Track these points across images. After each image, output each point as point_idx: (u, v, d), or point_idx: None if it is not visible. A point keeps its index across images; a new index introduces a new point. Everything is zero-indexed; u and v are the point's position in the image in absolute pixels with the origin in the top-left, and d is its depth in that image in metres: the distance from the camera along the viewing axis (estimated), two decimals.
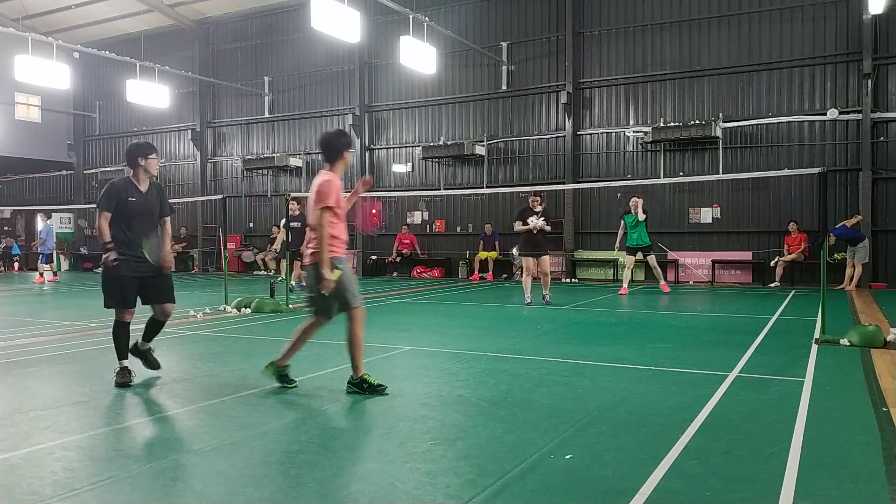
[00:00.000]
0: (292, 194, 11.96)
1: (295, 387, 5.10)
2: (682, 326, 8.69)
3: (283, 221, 14.14)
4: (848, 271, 13.80)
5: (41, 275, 18.04)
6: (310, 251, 4.85)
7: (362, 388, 4.84)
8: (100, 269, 5.34)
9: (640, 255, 13.23)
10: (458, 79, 18.87)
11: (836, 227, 13.66)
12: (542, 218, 10.70)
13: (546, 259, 10.99)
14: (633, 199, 13.06)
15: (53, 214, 24.88)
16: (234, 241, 21.75)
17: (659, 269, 13.14)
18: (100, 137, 25.64)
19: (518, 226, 10.90)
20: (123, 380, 5.22)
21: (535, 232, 10.70)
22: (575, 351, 6.73)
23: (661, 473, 3.24)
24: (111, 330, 5.39)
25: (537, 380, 5.35)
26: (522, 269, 17.36)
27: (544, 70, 17.82)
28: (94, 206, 5.40)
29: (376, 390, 4.84)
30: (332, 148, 4.89)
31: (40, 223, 18.52)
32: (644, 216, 12.85)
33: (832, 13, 14.93)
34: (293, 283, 14.39)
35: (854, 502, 2.95)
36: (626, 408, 4.49)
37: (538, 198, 10.83)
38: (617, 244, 13.48)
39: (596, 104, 17.33)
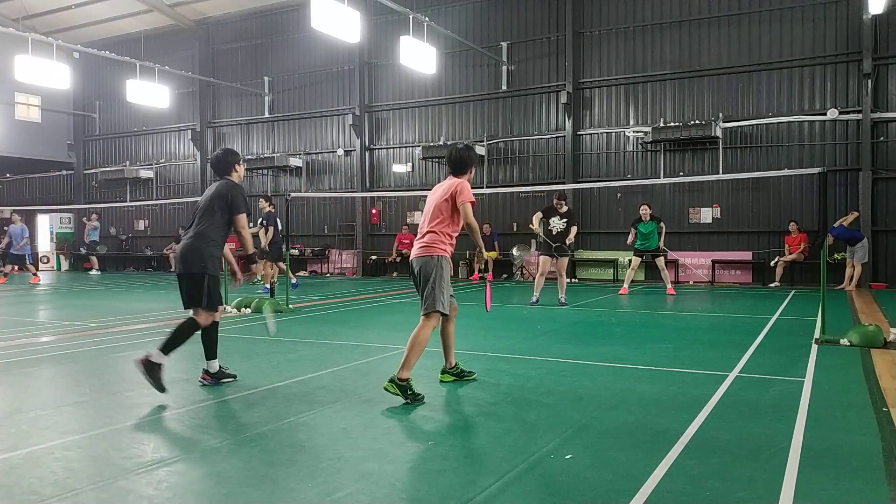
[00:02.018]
0: (292, 194, 11.92)
1: (474, 379, 5.33)
2: (682, 326, 8.69)
3: (260, 221, 13.80)
4: (848, 271, 13.80)
5: (35, 274, 17.98)
6: (423, 244, 5.00)
7: (405, 393, 4.66)
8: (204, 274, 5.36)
9: (647, 258, 13.22)
10: (458, 79, 18.87)
11: (834, 227, 13.64)
12: (565, 220, 10.81)
13: (565, 261, 11.06)
14: (642, 208, 13.03)
15: (52, 214, 24.94)
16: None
17: (667, 273, 13.11)
18: (100, 137, 25.62)
19: (535, 217, 10.89)
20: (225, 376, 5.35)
21: (555, 233, 10.78)
22: (575, 351, 6.73)
23: (661, 473, 3.24)
24: (200, 333, 5.15)
25: (537, 380, 5.35)
26: (523, 268, 17.44)
27: (544, 70, 17.82)
28: (232, 209, 5.88)
29: (417, 398, 4.68)
30: (463, 162, 5.22)
31: (15, 224, 17.65)
32: (663, 229, 12.94)
33: (832, 13, 14.92)
34: (268, 284, 13.75)
35: (854, 502, 2.95)
36: (626, 408, 4.49)
37: (562, 200, 10.85)
38: (629, 242, 13.29)
39: (596, 104, 17.33)
